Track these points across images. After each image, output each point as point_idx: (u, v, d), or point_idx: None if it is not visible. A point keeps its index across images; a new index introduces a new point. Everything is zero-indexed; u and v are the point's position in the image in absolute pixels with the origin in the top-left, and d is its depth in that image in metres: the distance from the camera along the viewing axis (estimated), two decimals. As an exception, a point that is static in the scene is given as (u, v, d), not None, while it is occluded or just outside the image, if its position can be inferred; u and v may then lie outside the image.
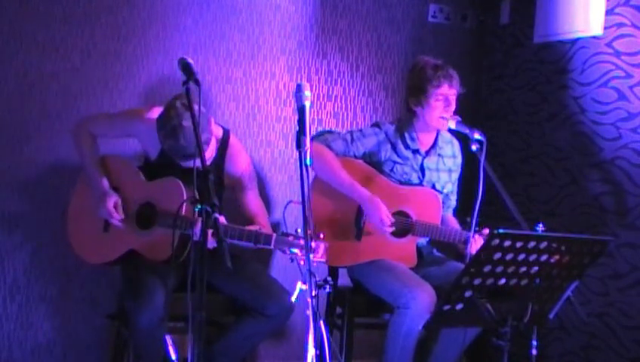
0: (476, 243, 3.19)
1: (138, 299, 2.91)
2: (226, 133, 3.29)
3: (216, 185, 2.67)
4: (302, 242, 2.77)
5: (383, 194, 3.30)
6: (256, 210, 3.29)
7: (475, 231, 3.18)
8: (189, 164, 2.82)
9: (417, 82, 3.33)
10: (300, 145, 2.46)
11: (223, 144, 3.27)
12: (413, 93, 3.37)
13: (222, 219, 2.97)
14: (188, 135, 2.85)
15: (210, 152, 3.11)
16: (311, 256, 2.55)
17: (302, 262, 2.61)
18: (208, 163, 2.97)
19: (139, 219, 3.16)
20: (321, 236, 2.73)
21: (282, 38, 3.93)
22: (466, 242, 3.20)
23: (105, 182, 3.15)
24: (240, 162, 3.29)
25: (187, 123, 2.84)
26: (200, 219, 2.41)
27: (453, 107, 3.34)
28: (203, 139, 2.78)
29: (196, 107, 2.55)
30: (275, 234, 2.89)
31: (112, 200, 3.10)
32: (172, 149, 2.95)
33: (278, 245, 2.87)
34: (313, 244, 2.65)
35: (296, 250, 2.77)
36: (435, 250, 3.56)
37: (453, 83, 3.32)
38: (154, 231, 3.11)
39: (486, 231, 3.22)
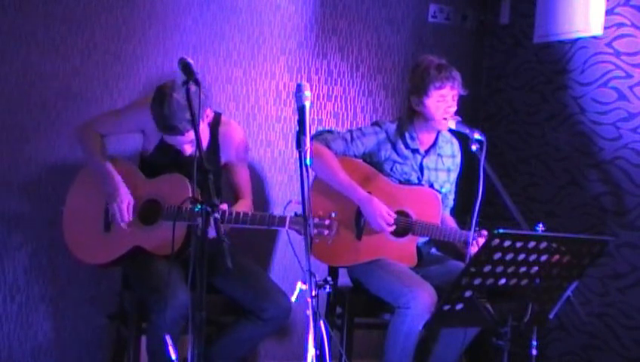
0: (477, 245, 3.19)
1: (162, 294, 2.88)
2: (217, 115, 3.28)
3: (212, 170, 2.68)
4: (317, 220, 2.89)
5: (382, 194, 3.31)
6: (245, 186, 3.33)
7: (475, 231, 3.18)
8: (176, 141, 3.01)
9: (419, 82, 3.33)
10: (299, 145, 2.46)
11: (215, 125, 3.26)
12: (414, 92, 3.37)
13: (224, 206, 3.05)
14: (174, 106, 2.87)
15: (203, 140, 3.16)
16: (326, 232, 2.87)
17: (317, 241, 2.86)
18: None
19: (142, 216, 3.16)
20: (333, 215, 2.91)
21: (282, 38, 3.93)
22: (467, 242, 3.20)
23: (121, 182, 3.14)
24: (234, 134, 3.29)
25: (178, 95, 2.87)
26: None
27: (454, 108, 3.34)
28: (186, 117, 2.88)
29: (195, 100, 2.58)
30: (289, 216, 2.95)
31: (127, 200, 3.10)
32: (156, 116, 2.95)
33: (293, 225, 2.95)
34: (327, 222, 2.88)
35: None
36: (433, 249, 3.56)
37: (455, 84, 3.31)
38: (159, 225, 3.12)
39: (484, 233, 3.23)
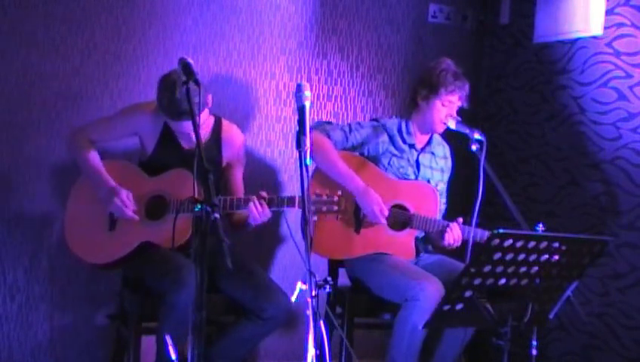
0: (452, 231, 3.27)
1: (179, 274, 2.90)
2: (218, 119, 3.34)
3: (213, 171, 2.70)
4: (324, 197, 2.97)
5: (380, 187, 3.32)
6: (239, 188, 3.37)
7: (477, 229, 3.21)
8: (184, 128, 3.08)
9: (434, 80, 3.37)
10: (299, 145, 2.47)
11: (217, 129, 3.31)
12: (424, 87, 3.40)
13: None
14: (185, 92, 2.87)
15: (203, 134, 3.23)
16: (336, 207, 2.96)
17: (327, 217, 3.05)
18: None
19: (149, 213, 3.16)
20: (340, 193, 3.00)
21: (282, 38, 3.94)
22: (467, 240, 3.23)
23: (111, 181, 3.15)
24: (236, 138, 3.37)
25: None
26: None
27: (453, 115, 3.39)
28: (196, 101, 2.91)
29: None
30: (298, 196, 3.00)
31: (123, 192, 3.11)
32: (167, 103, 3.00)
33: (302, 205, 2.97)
34: (336, 199, 2.97)
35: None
36: (430, 247, 3.58)
37: (463, 95, 3.40)
38: (166, 220, 3.12)
39: (460, 219, 3.29)
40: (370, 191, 3.27)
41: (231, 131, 3.36)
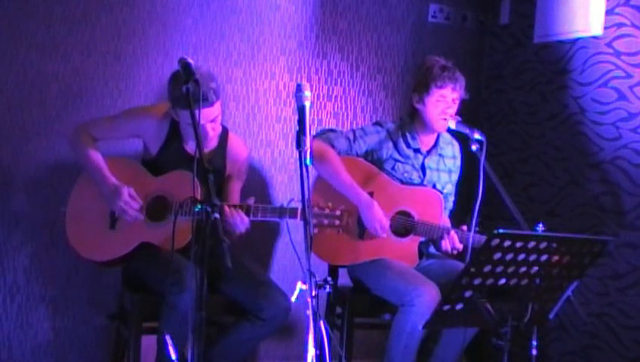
0: (447, 239, 3.26)
1: (181, 276, 2.89)
2: (225, 129, 3.36)
3: (216, 177, 2.69)
4: (327, 211, 2.94)
5: (384, 194, 3.31)
6: (236, 200, 3.34)
7: (476, 232, 3.20)
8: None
9: (422, 79, 3.37)
10: (300, 145, 2.46)
11: (223, 138, 3.33)
12: (416, 90, 3.40)
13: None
14: (199, 78, 2.82)
15: (211, 142, 3.25)
16: (337, 222, 2.94)
17: (328, 230, 2.99)
18: (208, 152, 3.18)
19: (150, 213, 3.16)
20: (342, 207, 2.97)
21: (282, 38, 3.93)
22: (467, 242, 3.22)
23: (113, 179, 3.15)
24: (242, 151, 3.40)
25: (199, 70, 2.89)
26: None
27: (453, 110, 3.36)
28: (212, 86, 3.02)
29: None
30: (300, 207, 2.96)
31: (126, 191, 3.10)
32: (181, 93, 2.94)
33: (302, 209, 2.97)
34: (338, 213, 2.95)
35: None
36: (431, 248, 3.57)
37: (456, 86, 3.34)
38: (167, 221, 3.12)
39: (464, 227, 3.28)
40: (373, 205, 3.26)
41: (236, 144, 3.37)
